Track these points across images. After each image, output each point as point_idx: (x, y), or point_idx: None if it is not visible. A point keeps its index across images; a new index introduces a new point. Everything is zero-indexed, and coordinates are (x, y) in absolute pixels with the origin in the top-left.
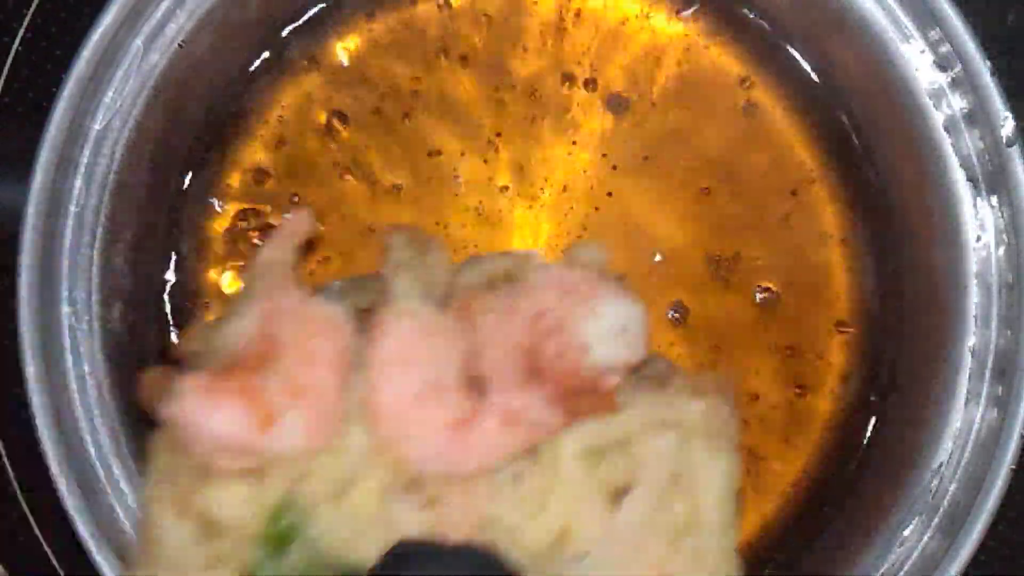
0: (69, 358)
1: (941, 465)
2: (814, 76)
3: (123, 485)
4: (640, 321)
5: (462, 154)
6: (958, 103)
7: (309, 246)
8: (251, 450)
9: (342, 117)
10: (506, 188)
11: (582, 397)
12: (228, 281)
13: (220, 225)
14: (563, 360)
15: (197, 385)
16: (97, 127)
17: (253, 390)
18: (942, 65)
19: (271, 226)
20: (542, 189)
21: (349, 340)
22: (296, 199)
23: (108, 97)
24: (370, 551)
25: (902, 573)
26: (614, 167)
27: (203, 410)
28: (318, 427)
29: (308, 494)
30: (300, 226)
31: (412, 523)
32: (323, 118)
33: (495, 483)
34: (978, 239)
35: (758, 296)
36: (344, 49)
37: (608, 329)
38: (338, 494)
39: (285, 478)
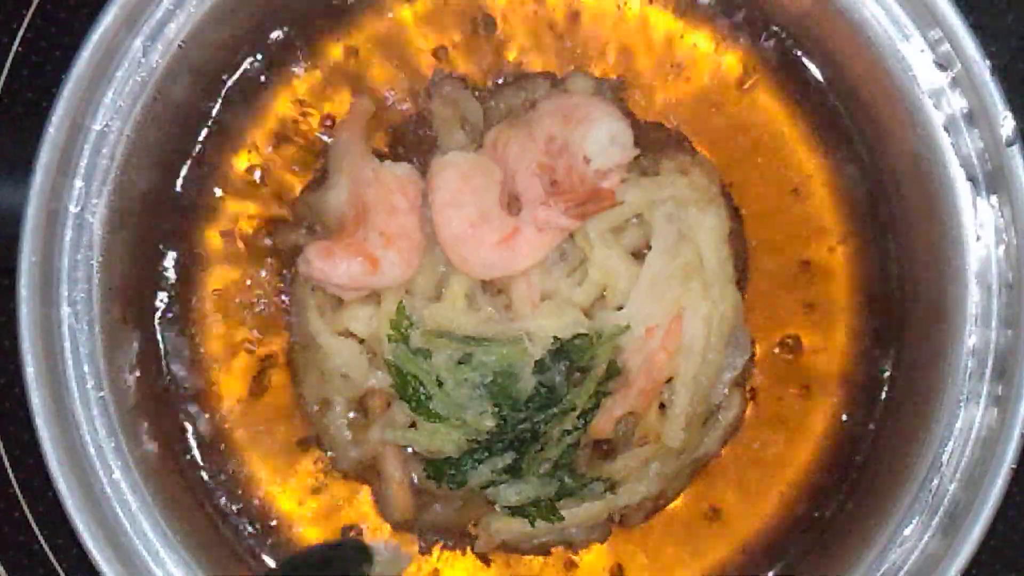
0: (69, 358)
1: (941, 465)
2: (814, 75)
3: (123, 485)
4: (624, 129)
5: None
6: (958, 103)
7: None
8: (367, 286)
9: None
10: None
11: (591, 201)
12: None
13: (219, 225)
14: (572, 173)
15: (319, 250)
16: (97, 127)
17: (358, 245)
18: (942, 65)
19: (273, 223)
20: None
21: (419, 190)
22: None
23: (108, 97)
24: (465, 326)
25: (902, 573)
26: None
27: (327, 267)
28: (409, 260)
29: (414, 302)
30: (363, 110)
31: (490, 305)
32: (321, 115)
33: (545, 267)
34: (978, 239)
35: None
36: (343, 44)
37: (602, 141)
38: (434, 297)
39: (395, 296)
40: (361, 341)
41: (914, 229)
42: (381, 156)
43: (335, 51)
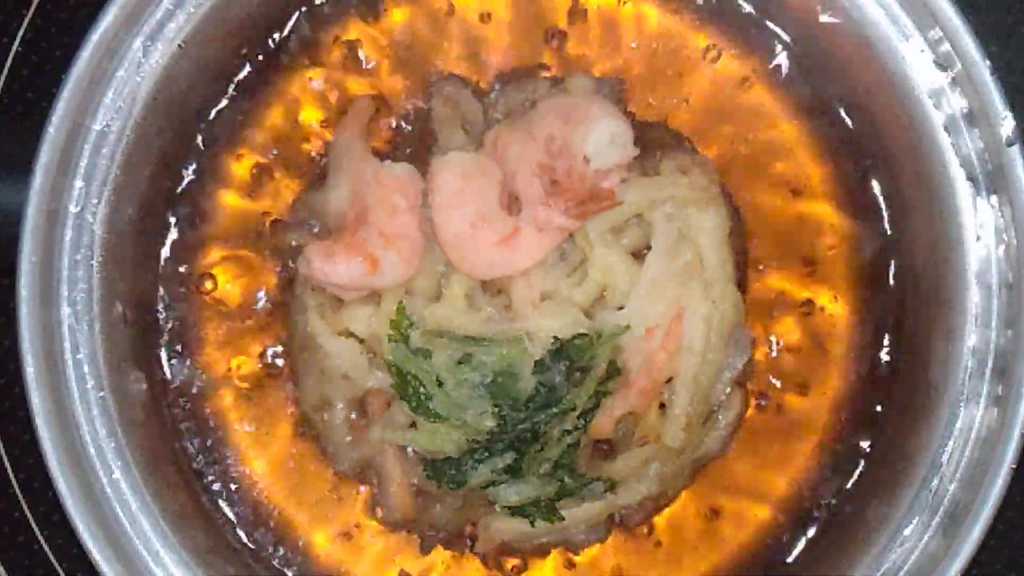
0: (69, 358)
1: (941, 465)
2: (814, 75)
3: (123, 485)
4: (624, 129)
5: None
6: (958, 103)
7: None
8: (366, 286)
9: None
10: None
11: (591, 201)
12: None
13: (219, 225)
14: (572, 173)
15: (319, 250)
16: (97, 127)
17: (358, 245)
18: (942, 65)
19: (273, 223)
20: None
21: (419, 190)
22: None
23: (108, 97)
24: (465, 326)
25: (902, 573)
26: None
27: (327, 267)
28: (409, 260)
29: (414, 302)
30: (364, 110)
31: (490, 305)
32: (321, 115)
33: (545, 267)
34: (978, 239)
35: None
36: (343, 44)
37: (601, 142)
38: (434, 297)
39: (395, 296)
40: (361, 341)
41: (914, 229)
42: (381, 156)
43: (335, 51)
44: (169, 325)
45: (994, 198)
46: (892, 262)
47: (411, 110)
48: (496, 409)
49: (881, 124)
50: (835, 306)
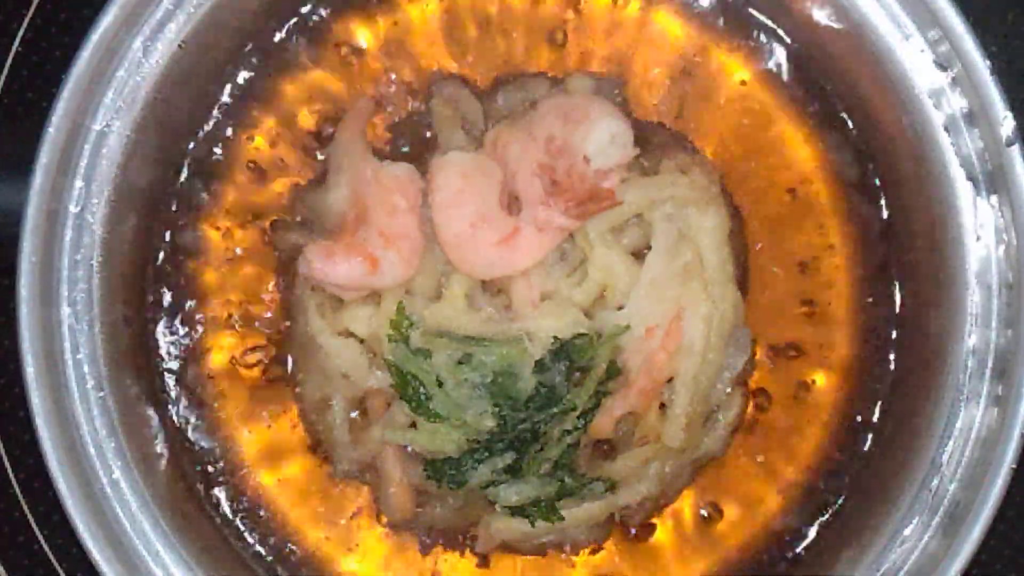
0: (69, 358)
1: (941, 465)
2: (814, 75)
3: (123, 485)
4: (624, 129)
5: None
6: (958, 103)
7: None
8: (366, 287)
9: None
10: None
11: (591, 201)
12: (226, 279)
13: (220, 225)
14: (572, 173)
15: (319, 250)
16: (97, 127)
17: (358, 245)
18: (942, 65)
19: (273, 223)
20: None
21: (419, 190)
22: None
23: (108, 97)
24: (465, 326)
25: (902, 573)
26: None
27: (327, 267)
28: (409, 260)
29: (414, 302)
30: (364, 110)
31: (490, 305)
32: (321, 115)
33: (545, 267)
34: (978, 239)
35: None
36: (343, 44)
37: (601, 141)
38: (434, 297)
39: (395, 296)
40: (361, 341)
41: (914, 230)
42: (381, 156)
43: (335, 51)
44: (170, 324)
45: (994, 198)
46: (892, 262)
47: (411, 110)
48: (496, 409)
49: (881, 124)
50: (834, 306)
